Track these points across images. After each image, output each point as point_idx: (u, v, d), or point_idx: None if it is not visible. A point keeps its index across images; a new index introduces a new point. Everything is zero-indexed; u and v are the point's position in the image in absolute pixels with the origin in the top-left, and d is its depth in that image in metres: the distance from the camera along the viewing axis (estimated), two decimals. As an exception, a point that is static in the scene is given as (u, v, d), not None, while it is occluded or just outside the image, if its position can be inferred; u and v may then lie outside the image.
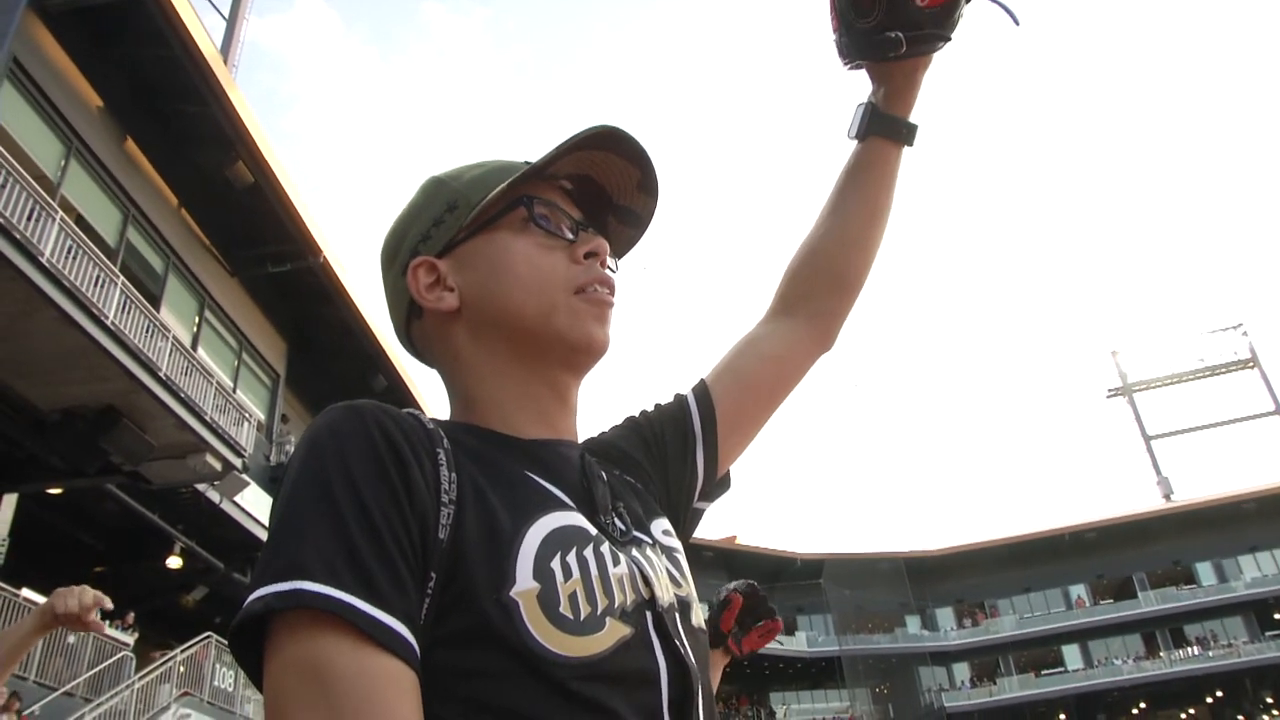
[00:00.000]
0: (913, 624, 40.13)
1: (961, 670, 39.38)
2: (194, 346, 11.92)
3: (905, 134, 1.03)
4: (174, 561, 12.68)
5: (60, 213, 8.23)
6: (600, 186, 0.89)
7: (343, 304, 14.44)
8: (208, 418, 10.05)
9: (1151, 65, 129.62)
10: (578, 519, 0.74)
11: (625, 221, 0.93)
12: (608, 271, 0.84)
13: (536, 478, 0.76)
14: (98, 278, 8.60)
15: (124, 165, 11.06)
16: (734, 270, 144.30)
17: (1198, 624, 36.89)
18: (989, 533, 41.91)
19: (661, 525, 0.86)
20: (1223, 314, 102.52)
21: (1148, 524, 38.77)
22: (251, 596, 0.59)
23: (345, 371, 15.97)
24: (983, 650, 38.72)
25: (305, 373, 15.96)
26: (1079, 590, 39.28)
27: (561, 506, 0.74)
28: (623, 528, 0.79)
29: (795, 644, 37.64)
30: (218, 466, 10.43)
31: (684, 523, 0.96)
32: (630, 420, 1.00)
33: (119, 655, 11.10)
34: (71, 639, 10.23)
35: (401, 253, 0.86)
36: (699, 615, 0.80)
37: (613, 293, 0.84)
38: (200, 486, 11.51)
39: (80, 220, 9.95)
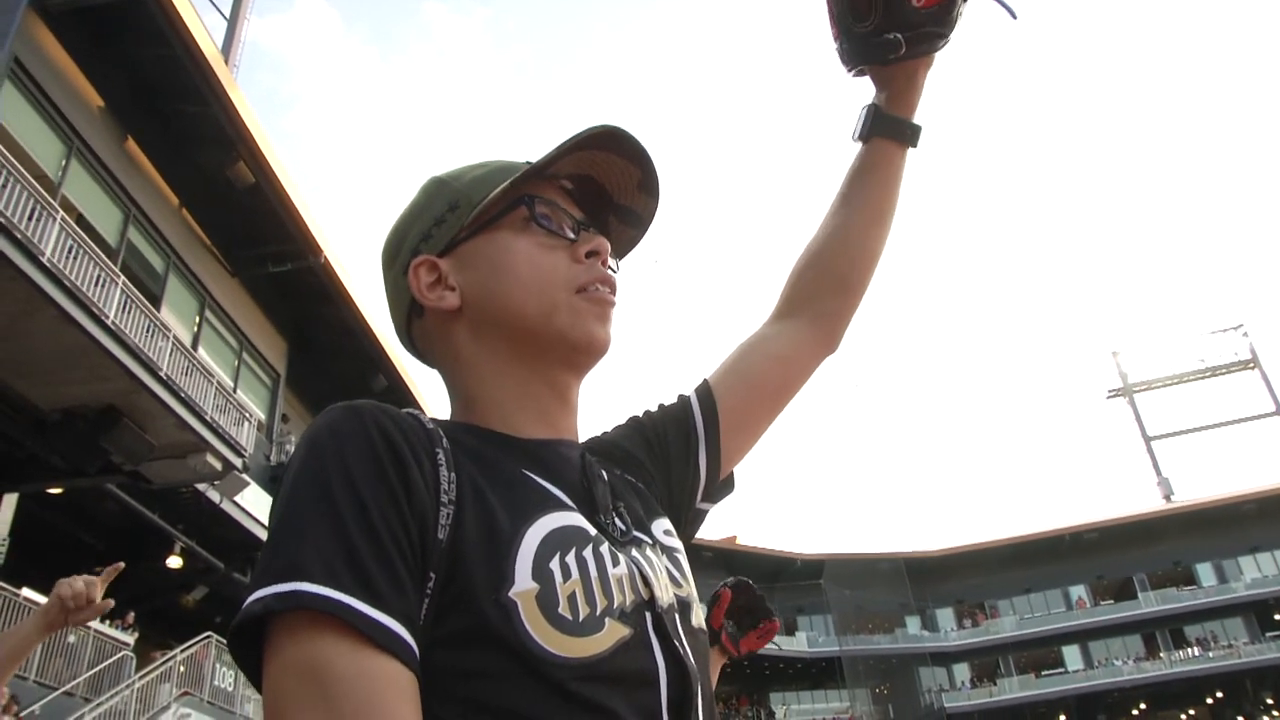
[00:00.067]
0: (913, 624, 40.13)
1: (962, 671, 39.38)
2: (194, 346, 11.93)
3: (908, 135, 1.03)
4: (174, 561, 12.69)
5: (61, 212, 8.24)
6: (601, 186, 0.89)
7: (343, 304, 14.46)
8: (208, 417, 10.06)
9: (1152, 66, 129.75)
10: (577, 519, 0.74)
11: (626, 221, 0.93)
12: (609, 271, 0.84)
13: (536, 478, 0.76)
14: (98, 277, 8.61)
15: (125, 165, 11.07)
16: (734, 271, 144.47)
17: (1198, 625, 36.89)
18: (989, 533, 41.97)
19: (662, 525, 0.86)
20: (1223, 315, 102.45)
21: (1148, 525, 38.77)
22: (251, 598, 0.59)
23: (345, 371, 15.98)
24: (983, 651, 38.72)
25: (305, 373, 15.97)
26: (1079, 591, 39.29)
27: (561, 506, 0.74)
28: (623, 528, 0.79)
29: (795, 644, 37.64)
30: (218, 466, 10.44)
31: (686, 523, 0.95)
32: (633, 420, 1.00)
33: (119, 655, 11.10)
34: (71, 639, 10.24)
35: (403, 252, 0.86)
36: (699, 616, 0.80)
37: (614, 292, 0.84)
38: (200, 486, 11.52)
39: (81, 220, 9.97)
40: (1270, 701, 34.80)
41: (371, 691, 0.56)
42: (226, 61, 12.28)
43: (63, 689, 9.83)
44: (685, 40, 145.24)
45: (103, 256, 8.88)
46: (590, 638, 0.66)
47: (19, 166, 7.79)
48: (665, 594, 0.75)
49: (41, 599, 8.03)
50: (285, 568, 0.59)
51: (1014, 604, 39.89)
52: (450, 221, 0.84)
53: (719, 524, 39.86)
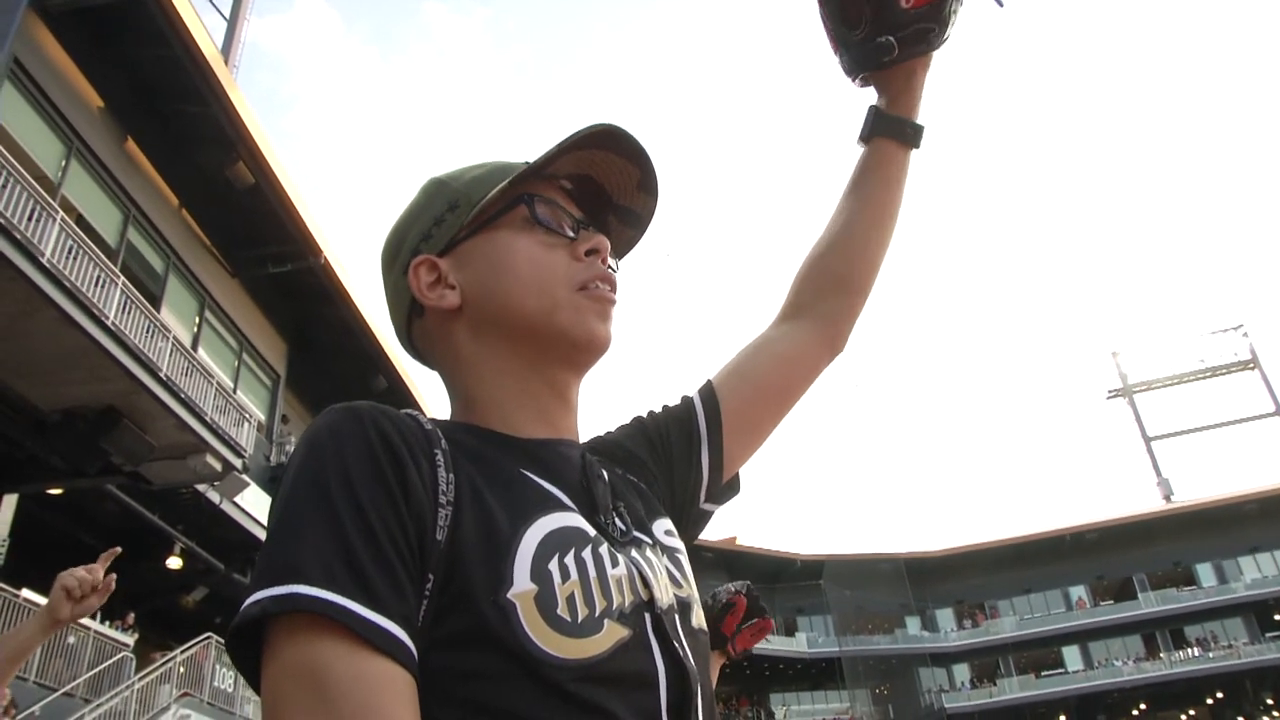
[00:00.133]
0: (913, 625, 40.15)
1: (961, 671, 39.39)
2: (194, 347, 11.93)
3: (909, 135, 1.03)
4: (174, 562, 12.70)
5: (61, 213, 8.24)
6: (600, 186, 0.89)
7: (343, 304, 14.45)
8: (208, 418, 10.05)
9: (1153, 66, 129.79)
10: (577, 519, 0.74)
11: (625, 221, 0.93)
12: (609, 269, 0.84)
13: (535, 478, 0.76)
14: (98, 278, 8.60)
15: (124, 165, 11.07)
16: (735, 272, 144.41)
17: (1198, 625, 36.91)
18: (989, 534, 42.02)
19: (664, 525, 0.85)
20: (1223, 315, 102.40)
21: (1148, 525, 38.79)
22: (249, 600, 0.59)
23: (345, 372, 15.98)
24: (983, 651, 38.73)
25: (305, 373, 15.97)
26: (1079, 591, 39.30)
27: (560, 507, 0.74)
28: (622, 528, 0.79)
29: (795, 645, 37.65)
30: (218, 467, 10.44)
31: (689, 524, 0.95)
32: (636, 420, 1.00)
33: (119, 656, 11.11)
34: (71, 639, 10.24)
35: (403, 252, 0.86)
36: (700, 616, 0.80)
37: (615, 290, 0.84)
38: (200, 487, 11.51)
39: (81, 220, 9.96)
40: (1270, 702, 34.80)
41: (370, 694, 0.56)
42: (226, 62, 12.28)
43: (62, 690, 9.83)
44: (686, 40, 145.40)
45: (102, 257, 8.88)
46: (589, 639, 0.66)
47: (19, 167, 7.79)
48: (665, 595, 0.75)
49: (41, 600, 8.03)
50: (283, 570, 0.59)
51: (1014, 604, 39.91)
52: (450, 221, 0.84)
53: (719, 525, 39.83)
